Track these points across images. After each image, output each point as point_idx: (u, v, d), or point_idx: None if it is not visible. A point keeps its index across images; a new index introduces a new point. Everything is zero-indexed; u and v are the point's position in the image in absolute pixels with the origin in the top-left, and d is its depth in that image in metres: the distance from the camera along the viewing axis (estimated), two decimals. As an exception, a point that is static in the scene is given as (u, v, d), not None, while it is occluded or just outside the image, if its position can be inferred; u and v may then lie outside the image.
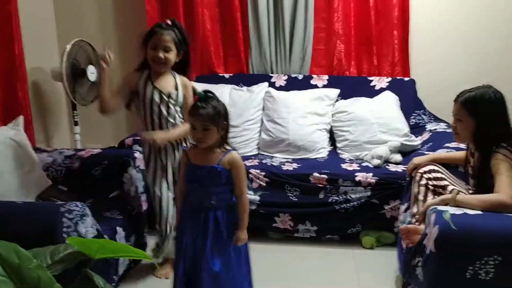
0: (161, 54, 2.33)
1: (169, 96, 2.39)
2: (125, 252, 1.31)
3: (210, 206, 1.99)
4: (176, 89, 2.41)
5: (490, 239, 1.69)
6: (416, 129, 3.32)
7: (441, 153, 2.59)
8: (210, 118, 1.90)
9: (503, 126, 2.02)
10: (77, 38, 3.37)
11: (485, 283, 1.70)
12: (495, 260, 1.68)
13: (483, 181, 2.01)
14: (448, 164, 2.39)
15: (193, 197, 2.04)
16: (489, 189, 1.93)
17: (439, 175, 2.29)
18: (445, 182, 2.23)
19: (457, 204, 1.90)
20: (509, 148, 1.94)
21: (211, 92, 1.98)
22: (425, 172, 2.32)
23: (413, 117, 3.39)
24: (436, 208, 1.85)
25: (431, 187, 2.28)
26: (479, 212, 1.81)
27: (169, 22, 2.38)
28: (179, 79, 2.45)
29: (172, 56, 2.37)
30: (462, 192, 2.09)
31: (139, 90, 2.40)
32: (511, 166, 1.90)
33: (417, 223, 2.16)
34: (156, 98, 2.38)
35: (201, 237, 2.00)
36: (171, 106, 2.40)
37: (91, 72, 3.39)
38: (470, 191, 2.17)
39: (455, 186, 2.20)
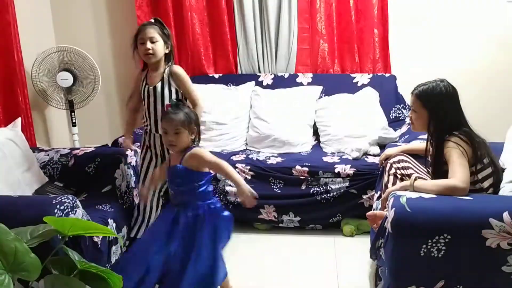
0: (149, 45, 2.47)
1: (154, 89, 2.53)
2: (94, 229, 1.49)
3: (180, 204, 2.17)
4: (162, 81, 2.52)
5: (440, 219, 1.84)
6: (396, 122, 3.47)
7: (411, 144, 2.74)
8: (181, 122, 2.10)
9: (454, 116, 2.16)
10: (70, 45, 3.55)
11: (437, 259, 1.85)
12: (445, 238, 1.82)
13: (438, 168, 2.15)
14: (417, 154, 2.55)
15: (170, 196, 2.25)
16: (444, 175, 2.07)
17: (406, 164, 2.44)
18: (411, 171, 2.38)
19: (415, 190, 2.04)
20: (459, 136, 2.08)
21: (182, 102, 2.20)
22: (394, 162, 2.47)
23: (393, 111, 3.52)
24: (395, 193, 2.01)
25: (399, 176, 2.42)
26: (433, 196, 1.96)
27: (152, 20, 2.55)
28: (168, 70, 2.54)
29: (160, 46, 2.49)
30: (423, 178, 2.23)
31: (140, 89, 2.59)
32: (462, 152, 2.04)
33: (385, 210, 2.31)
34: (146, 93, 2.55)
35: (172, 235, 2.16)
36: (159, 99, 2.52)
37: (61, 79, 3.50)
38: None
39: (419, 174, 2.35)
